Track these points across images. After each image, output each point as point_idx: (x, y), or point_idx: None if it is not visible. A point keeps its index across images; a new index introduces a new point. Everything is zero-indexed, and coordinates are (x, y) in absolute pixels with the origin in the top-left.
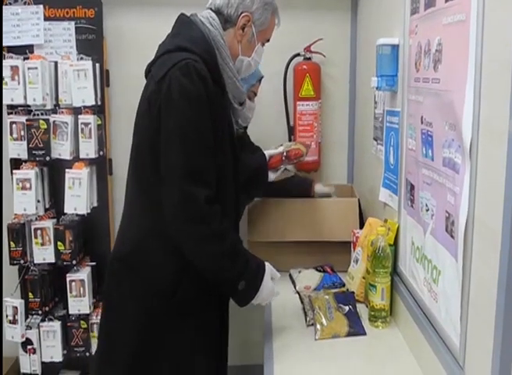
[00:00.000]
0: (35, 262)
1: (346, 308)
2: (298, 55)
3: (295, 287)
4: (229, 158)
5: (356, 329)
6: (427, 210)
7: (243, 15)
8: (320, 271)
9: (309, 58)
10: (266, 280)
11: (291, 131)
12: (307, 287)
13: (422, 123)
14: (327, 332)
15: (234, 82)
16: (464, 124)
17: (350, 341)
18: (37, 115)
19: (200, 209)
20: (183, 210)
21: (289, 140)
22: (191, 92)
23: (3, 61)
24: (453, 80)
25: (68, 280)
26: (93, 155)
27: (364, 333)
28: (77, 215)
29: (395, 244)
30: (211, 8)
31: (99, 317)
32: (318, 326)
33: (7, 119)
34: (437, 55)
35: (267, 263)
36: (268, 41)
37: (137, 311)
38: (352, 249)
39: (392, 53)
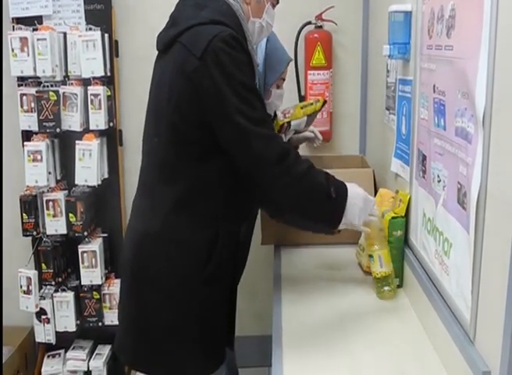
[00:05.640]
0: (47, 233)
1: None
2: (309, 23)
3: None
4: None
5: None
6: (439, 181)
7: None
8: None
9: (320, 27)
10: (351, 185)
11: (302, 101)
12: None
13: (435, 91)
14: None
15: (253, 56)
16: (478, 92)
17: (360, 314)
18: (47, 86)
19: (284, 144)
20: (276, 152)
21: None
22: (241, 60)
23: (12, 32)
24: (467, 47)
25: (80, 251)
26: (103, 127)
27: None
28: (88, 186)
29: (406, 216)
30: None
31: (111, 288)
32: None
33: (17, 91)
34: (450, 21)
35: None
36: (277, 2)
37: (174, 283)
38: None
39: (404, 20)
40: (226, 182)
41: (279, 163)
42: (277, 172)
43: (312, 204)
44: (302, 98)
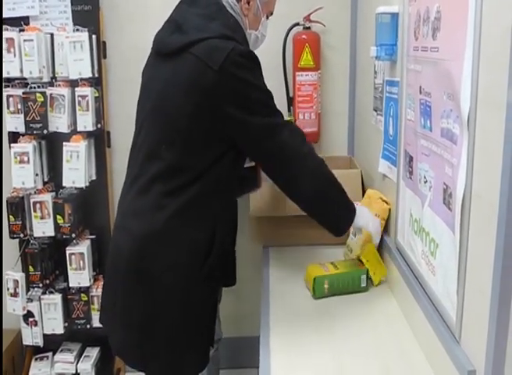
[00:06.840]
0: (35, 235)
1: None
2: (297, 24)
3: None
4: None
5: None
6: (425, 182)
7: None
8: None
9: (308, 28)
10: None
11: (290, 102)
12: None
13: (421, 93)
14: None
15: None
16: (463, 94)
17: (348, 313)
18: (34, 88)
19: (301, 130)
20: (301, 136)
21: (289, 110)
22: (255, 68)
23: None
24: (452, 49)
25: (67, 253)
26: (90, 128)
27: None
28: (76, 188)
29: (393, 217)
30: None
31: (99, 290)
32: None
33: (3, 93)
34: (436, 23)
35: None
36: (271, 13)
37: (177, 281)
38: None
39: (391, 22)
40: (229, 184)
41: (304, 144)
42: (305, 151)
43: (334, 189)
44: (290, 100)
